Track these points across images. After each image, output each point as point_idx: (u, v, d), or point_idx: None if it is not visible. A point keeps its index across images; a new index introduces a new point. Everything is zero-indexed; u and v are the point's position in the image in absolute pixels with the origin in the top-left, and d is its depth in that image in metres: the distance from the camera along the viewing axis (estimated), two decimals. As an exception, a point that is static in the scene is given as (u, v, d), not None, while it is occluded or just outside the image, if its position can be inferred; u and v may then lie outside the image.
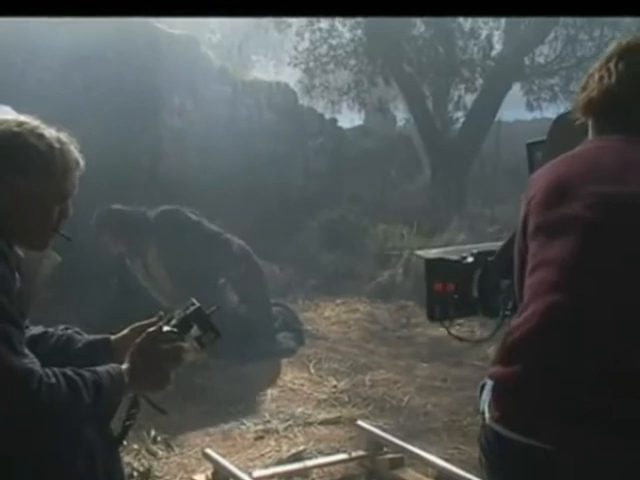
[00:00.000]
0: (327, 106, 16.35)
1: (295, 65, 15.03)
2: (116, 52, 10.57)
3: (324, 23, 14.28)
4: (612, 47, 2.15)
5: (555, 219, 1.99)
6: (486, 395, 2.04)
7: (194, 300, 2.56)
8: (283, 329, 8.12)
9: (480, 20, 13.80)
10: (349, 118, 17.86)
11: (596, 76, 2.11)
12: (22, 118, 2.36)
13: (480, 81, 14.54)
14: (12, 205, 2.26)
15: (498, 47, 14.84)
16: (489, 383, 2.04)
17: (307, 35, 14.58)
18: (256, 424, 6.06)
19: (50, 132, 2.36)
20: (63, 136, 2.39)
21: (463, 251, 2.76)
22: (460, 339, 2.90)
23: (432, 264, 2.79)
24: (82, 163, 2.43)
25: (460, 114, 15.19)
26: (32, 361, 2.03)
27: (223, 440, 5.82)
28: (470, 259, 2.70)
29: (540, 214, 2.03)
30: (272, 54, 25.41)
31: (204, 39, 14.84)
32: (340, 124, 15.98)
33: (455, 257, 2.75)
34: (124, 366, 2.30)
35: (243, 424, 6.08)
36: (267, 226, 11.24)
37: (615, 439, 1.76)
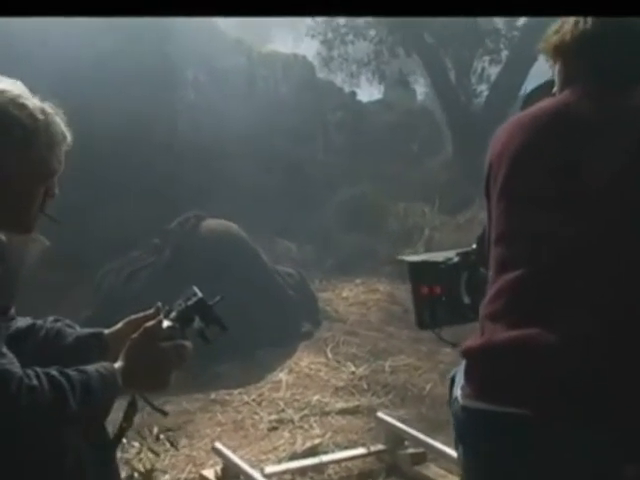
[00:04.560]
0: (346, 79, 16.04)
1: (313, 36, 14.67)
2: (128, 23, 10.24)
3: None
4: None
5: (514, 190, 1.94)
6: (458, 380, 1.99)
7: (196, 289, 2.29)
8: (299, 309, 7.81)
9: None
10: (368, 92, 17.56)
11: (572, 20, 2.03)
12: (1, 85, 2.06)
13: (505, 53, 14.13)
14: None
15: (523, 17, 14.42)
16: (460, 366, 1.99)
17: (326, 4, 14.15)
18: (270, 413, 5.83)
19: (33, 102, 2.08)
20: (48, 107, 2.11)
21: (449, 256, 2.62)
22: (454, 345, 2.63)
23: (416, 267, 2.65)
24: (69, 137, 2.16)
25: (484, 87, 14.73)
26: (11, 361, 1.82)
27: (235, 431, 5.60)
28: (456, 259, 2.56)
29: (500, 183, 1.96)
30: (291, 27, 25.03)
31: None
32: (359, 98, 15.67)
33: (440, 259, 2.61)
34: (117, 365, 2.06)
35: (256, 413, 5.84)
36: (285, 203, 11.03)
37: (588, 395, 1.71)
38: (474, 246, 2.46)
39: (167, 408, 5.59)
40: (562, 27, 2.05)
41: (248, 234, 8.00)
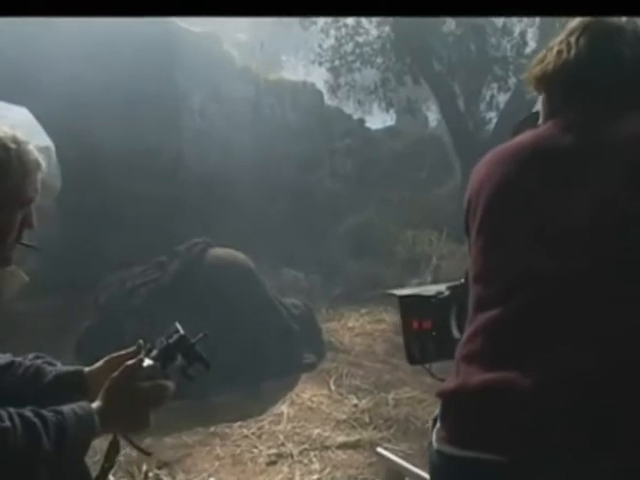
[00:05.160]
0: (357, 107, 15.99)
1: (320, 63, 14.59)
2: (133, 50, 10.24)
3: (350, 19, 13.83)
4: (576, 22, 2.00)
5: (492, 227, 1.88)
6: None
7: (178, 326, 2.22)
8: (303, 341, 7.71)
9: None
10: (381, 119, 17.51)
11: (555, 49, 1.98)
12: None
13: (513, 80, 14.01)
14: None
15: (532, 44, 14.34)
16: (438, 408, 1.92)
17: (332, 32, 14.13)
18: (269, 447, 5.71)
19: (4, 130, 2.02)
20: (20, 135, 2.05)
21: (440, 290, 2.54)
22: (443, 381, 2.57)
23: (406, 301, 2.55)
24: (44, 165, 2.11)
25: (493, 114, 14.65)
26: None
27: (233, 465, 5.48)
28: (446, 293, 2.48)
29: (478, 219, 1.90)
30: (302, 54, 25.11)
31: (229, 37, 14.50)
32: (371, 125, 15.62)
33: (431, 292, 2.52)
34: (95, 404, 1.99)
35: (256, 447, 5.72)
36: (291, 231, 10.96)
37: (564, 444, 1.60)
38: (462, 280, 2.37)
39: (166, 441, 5.57)
40: (545, 57, 1.99)
41: (254, 263, 7.92)
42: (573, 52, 1.92)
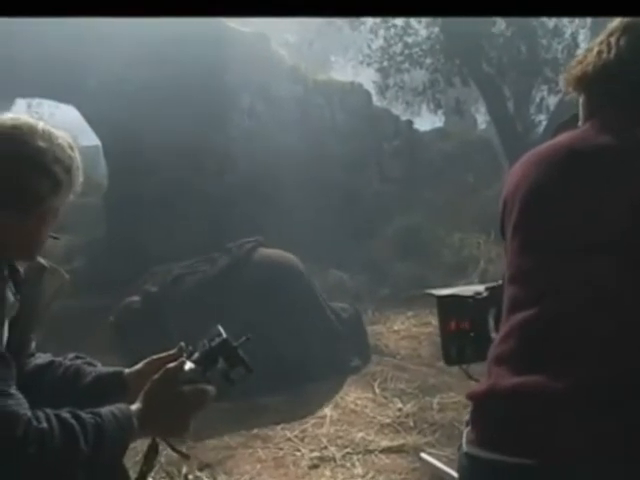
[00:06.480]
0: (405, 108, 15.89)
1: (369, 64, 14.56)
2: (182, 50, 10.26)
3: (399, 20, 13.74)
4: (616, 22, 1.95)
5: (527, 229, 1.87)
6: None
7: (220, 329, 2.21)
8: (349, 344, 7.64)
9: (565, 18, 13.22)
10: (430, 120, 17.42)
11: (595, 50, 1.95)
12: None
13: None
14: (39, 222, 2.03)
15: (584, 46, 14.16)
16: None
17: (381, 33, 14.08)
18: (312, 450, 5.66)
19: (43, 127, 2.01)
20: (54, 130, 2.05)
21: (479, 291, 2.53)
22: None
23: (444, 301, 2.54)
24: (77, 158, 2.11)
25: (542, 117, 14.44)
26: (18, 402, 1.75)
27: (275, 467, 5.44)
28: (485, 294, 2.47)
29: (514, 222, 1.89)
30: (351, 54, 25.09)
31: (278, 38, 14.49)
32: (419, 126, 15.53)
33: (469, 293, 2.52)
34: (135, 407, 1.99)
35: (298, 450, 5.67)
36: (338, 232, 10.91)
37: (595, 449, 1.58)
38: (500, 281, 2.33)
39: (208, 443, 5.54)
40: (585, 57, 1.97)
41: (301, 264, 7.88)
42: (613, 52, 1.89)
